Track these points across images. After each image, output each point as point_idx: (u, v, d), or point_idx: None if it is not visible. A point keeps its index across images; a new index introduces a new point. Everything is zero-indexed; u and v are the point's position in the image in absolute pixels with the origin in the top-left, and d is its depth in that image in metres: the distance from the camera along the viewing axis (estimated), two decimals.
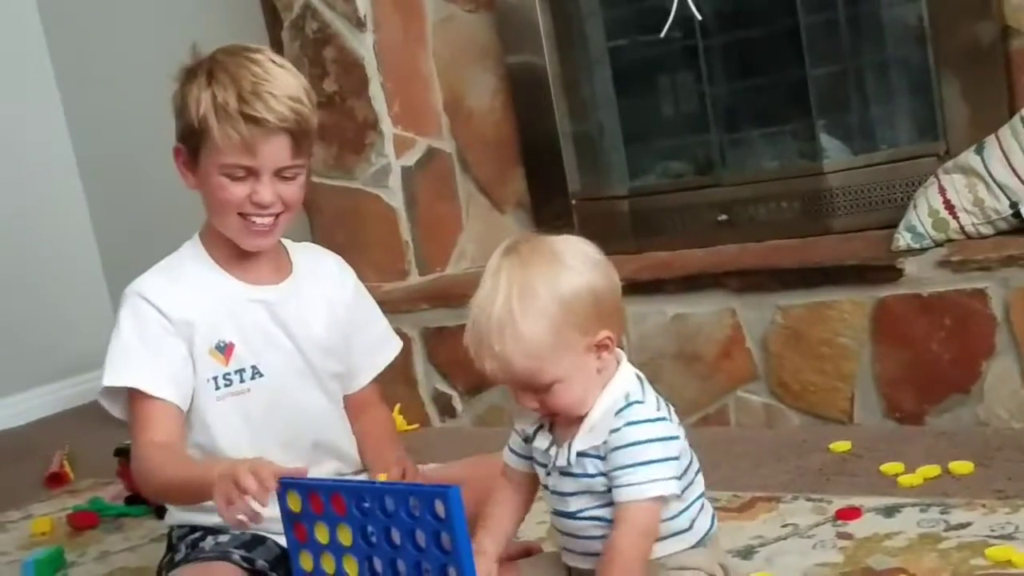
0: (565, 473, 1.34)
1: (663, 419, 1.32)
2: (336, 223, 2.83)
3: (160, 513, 1.94)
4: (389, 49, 2.73)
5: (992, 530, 1.55)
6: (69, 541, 2.17)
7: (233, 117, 1.47)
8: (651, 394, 1.34)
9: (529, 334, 1.27)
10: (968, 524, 1.58)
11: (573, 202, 2.69)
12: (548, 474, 1.36)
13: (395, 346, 1.77)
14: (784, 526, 1.69)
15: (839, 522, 1.67)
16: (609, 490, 1.31)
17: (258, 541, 1.56)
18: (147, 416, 1.52)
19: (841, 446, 2.00)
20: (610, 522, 1.32)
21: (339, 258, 1.73)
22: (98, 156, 3.58)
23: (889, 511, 1.68)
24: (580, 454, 1.32)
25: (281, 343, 1.59)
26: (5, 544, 2.25)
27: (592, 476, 1.32)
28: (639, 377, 1.35)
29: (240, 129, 1.47)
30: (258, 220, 1.53)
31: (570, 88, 2.72)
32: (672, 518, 1.33)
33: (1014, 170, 2.01)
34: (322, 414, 1.64)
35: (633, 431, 1.29)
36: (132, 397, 1.53)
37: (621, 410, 1.31)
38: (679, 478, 1.31)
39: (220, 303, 1.57)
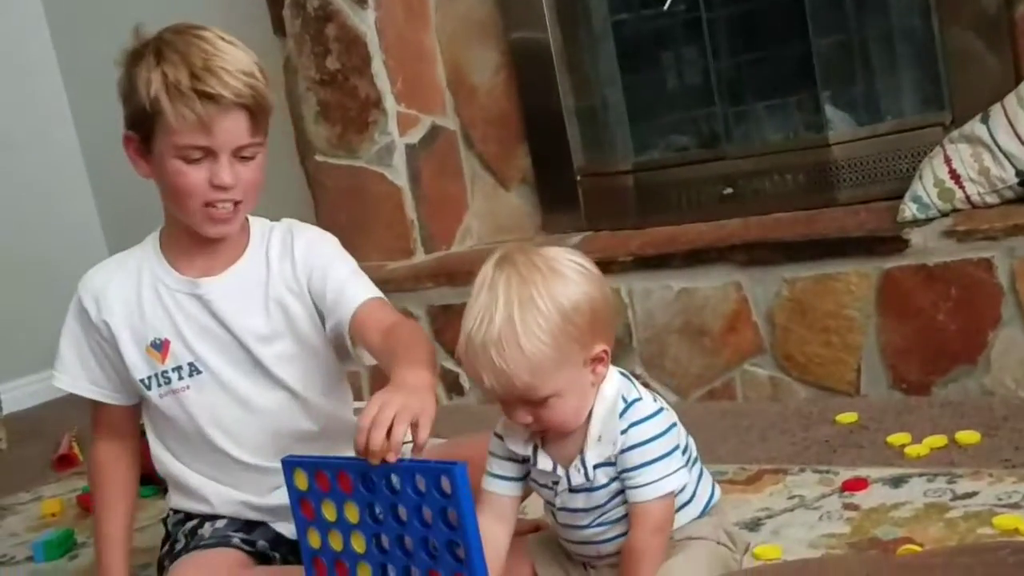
0: (577, 490, 1.33)
1: (661, 410, 1.32)
2: (340, 202, 2.83)
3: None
4: (391, 26, 2.72)
5: (999, 499, 1.55)
6: (78, 522, 2.18)
7: (186, 95, 1.40)
8: (639, 387, 1.34)
9: (531, 348, 1.25)
10: (975, 494, 1.58)
11: (578, 178, 2.69)
12: (557, 495, 1.35)
13: (362, 287, 1.57)
14: (791, 498, 1.70)
15: (846, 493, 1.67)
16: (614, 495, 1.32)
17: (256, 523, 1.58)
18: (96, 416, 1.62)
19: (847, 418, 2.00)
20: (616, 521, 1.33)
21: (288, 225, 1.61)
22: (102, 138, 3.57)
23: (896, 482, 1.68)
24: (598, 466, 1.31)
25: (218, 335, 1.53)
26: (15, 525, 2.26)
27: (606, 485, 1.32)
28: (623, 374, 1.35)
29: (195, 107, 1.40)
30: (220, 206, 1.47)
31: (573, 63, 2.70)
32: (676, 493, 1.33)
33: (1020, 139, 2.00)
34: (279, 406, 1.55)
35: (638, 431, 1.30)
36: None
37: (623, 412, 1.30)
38: (685, 465, 1.32)
39: (156, 299, 1.54)
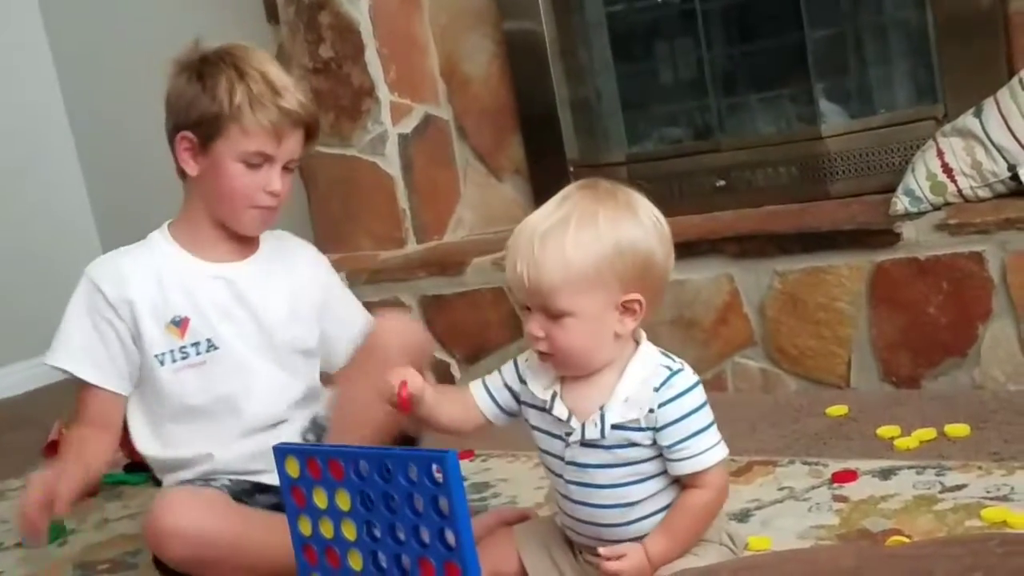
0: (590, 445, 1.31)
1: (700, 382, 1.31)
2: (332, 191, 2.82)
3: (159, 482, 1.95)
4: (385, 14, 2.72)
5: (988, 492, 1.56)
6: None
7: (268, 107, 1.58)
8: (687, 369, 1.32)
9: (572, 256, 1.25)
10: (964, 486, 1.59)
11: (571, 169, 2.68)
12: (567, 445, 1.33)
13: (366, 319, 1.78)
14: (780, 489, 1.70)
15: (835, 485, 1.68)
16: (646, 461, 1.30)
17: (247, 493, 1.62)
18: (84, 402, 1.64)
19: (838, 410, 2.00)
20: (622, 506, 1.32)
21: (314, 248, 1.82)
22: (94, 128, 3.57)
23: (885, 474, 1.68)
24: (616, 426, 1.30)
25: (237, 317, 1.65)
26: (5, 512, 2.26)
27: (625, 447, 1.30)
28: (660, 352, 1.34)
29: (273, 117, 1.58)
30: (267, 210, 1.63)
31: (568, 54, 2.70)
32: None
33: (1012, 133, 2.00)
34: (279, 387, 1.67)
35: (685, 401, 1.28)
36: (78, 381, 1.63)
37: (667, 380, 1.29)
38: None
39: (176, 281, 1.63)
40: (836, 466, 1.74)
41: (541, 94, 2.71)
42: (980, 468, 1.64)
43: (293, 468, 1.32)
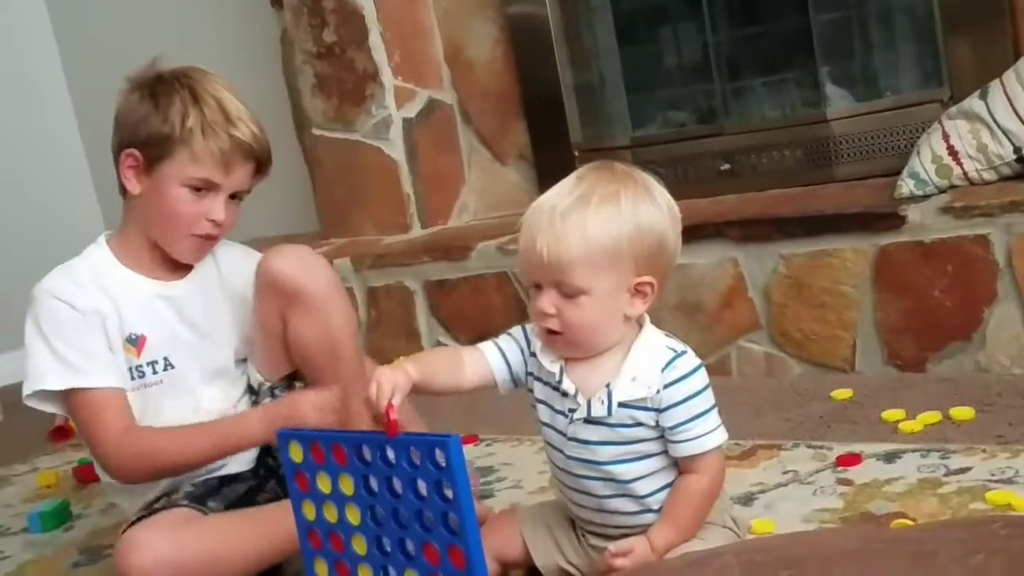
0: (594, 422, 1.31)
1: (702, 365, 1.31)
2: (336, 176, 2.82)
3: None
4: None
5: (992, 475, 1.56)
6: (74, 494, 2.19)
7: (219, 136, 1.55)
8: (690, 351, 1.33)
9: (593, 232, 1.25)
10: (968, 469, 1.59)
11: (575, 153, 2.68)
12: (570, 422, 1.33)
13: None
14: (785, 472, 1.70)
15: (839, 468, 1.68)
16: (647, 440, 1.30)
17: (212, 491, 1.58)
18: (100, 407, 1.54)
19: (842, 394, 2.00)
20: (634, 480, 1.32)
21: (244, 247, 1.74)
22: (98, 118, 3.55)
23: (889, 457, 1.68)
24: (623, 404, 1.30)
25: (187, 337, 1.62)
26: (11, 497, 2.26)
27: (629, 426, 1.30)
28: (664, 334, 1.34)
29: (223, 146, 1.55)
30: (206, 239, 1.60)
31: (571, 38, 2.69)
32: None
33: (1018, 115, 1.99)
34: (223, 398, 1.64)
35: (689, 383, 1.29)
36: (74, 398, 1.54)
37: (671, 361, 1.29)
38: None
39: (127, 298, 1.59)
40: (840, 449, 1.73)
41: (545, 78, 2.70)
42: (984, 451, 1.64)
43: (297, 453, 1.32)
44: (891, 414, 1.85)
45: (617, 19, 2.69)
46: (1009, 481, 1.53)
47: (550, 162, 2.71)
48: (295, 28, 2.79)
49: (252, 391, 1.68)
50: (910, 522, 1.45)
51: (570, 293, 1.27)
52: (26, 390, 1.57)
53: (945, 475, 1.59)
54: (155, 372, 1.59)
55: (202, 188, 1.56)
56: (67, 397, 1.55)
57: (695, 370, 1.30)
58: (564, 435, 1.34)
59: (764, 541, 1.37)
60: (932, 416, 1.81)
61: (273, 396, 1.66)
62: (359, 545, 1.30)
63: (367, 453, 1.27)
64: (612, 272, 1.27)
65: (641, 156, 2.59)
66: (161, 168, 1.56)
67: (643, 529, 1.32)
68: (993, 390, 1.90)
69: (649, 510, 1.33)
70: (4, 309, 3.27)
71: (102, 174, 3.60)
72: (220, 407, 1.63)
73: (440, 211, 2.80)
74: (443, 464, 1.20)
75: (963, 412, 1.80)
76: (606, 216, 1.26)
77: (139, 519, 1.54)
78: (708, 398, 1.30)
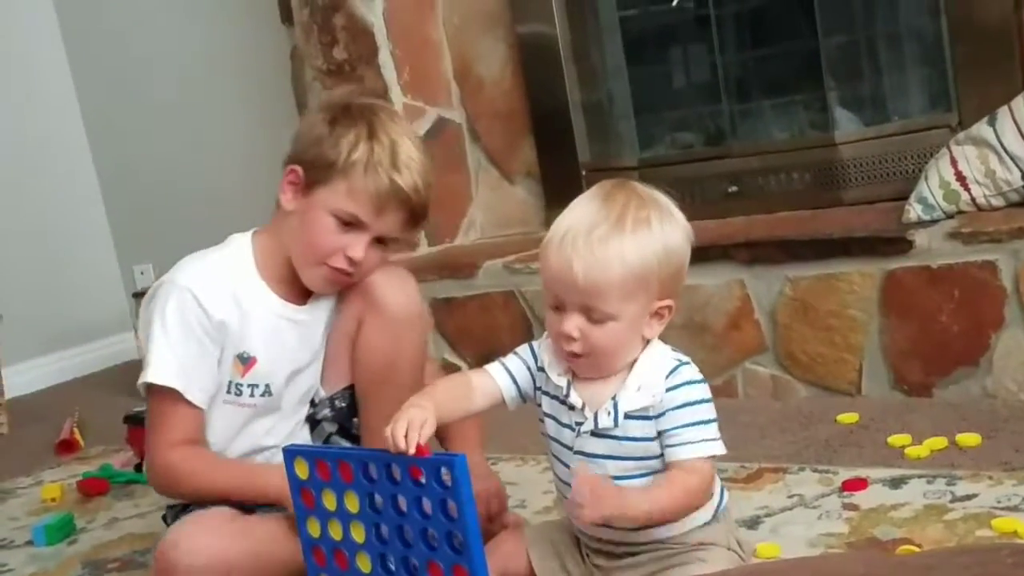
0: (600, 435, 1.32)
1: (705, 380, 1.32)
2: None
3: None
4: (399, 16, 2.72)
5: (998, 502, 1.55)
6: (79, 507, 2.19)
7: (380, 177, 1.52)
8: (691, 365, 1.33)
9: (630, 257, 1.26)
10: (974, 496, 1.59)
11: (583, 172, 2.69)
12: (577, 435, 1.33)
13: None
14: (790, 496, 1.70)
15: (845, 493, 1.67)
16: (654, 458, 1.30)
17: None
18: (173, 416, 1.53)
19: (848, 418, 2.00)
20: None
21: None
22: (107, 129, 3.58)
23: (895, 482, 1.68)
24: (629, 416, 1.30)
25: (300, 365, 1.62)
26: (16, 510, 2.26)
27: (636, 440, 1.30)
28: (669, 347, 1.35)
29: (381, 187, 1.52)
30: (340, 273, 1.56)
31: (580, 58, 2.70)
32: None
33: None
34: (296, 424, 1.65)
35: (691, 390, 1.29)
36: (161, 392, 1.53)
37: (675, 369, 1.30)
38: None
39: (256, 315, 1.57)
40: (846, 474, 1.73)
41: (554, 97, 2.71)
42: (991, 478, 1.64)
43: (302, 470, 1.32)
44: (897, 439, 1.85)
45: (626, 39, 2.70)
46: (1015, 508, 1.52)
47: (558, 181, 2.72)
48: (305, 45, 2.80)
49: (311, 403, 1.67)
50: (916, 548, 1.45)
51: (599, 319, 1.28)
52: (141, 379, 1.54)
53: (951, 501, 1.58)
54: (252, 395, 1.58)
55: (350, 223, 1.54)
56: (156, 392, 1.53)
57: (699, 380, 1.31)
58: (571, 449, 1.34)
59: (770, 566, 1.37)
60: (938, 442, 1.80)
61: (332, 407, 1.66)
62: (364, 563, 1.30)
63: (373, 471, 1.28)
64: (641, 297, 1.28)
65: (648, 177, 2.59)
66: (317, 192, 1.55)
67: (646, 547, 1.32)
68: (1000, 416, 1.90)
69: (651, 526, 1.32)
70: (10, 325, 3.29)
71: (109, 181, 3.62)
72: (287, 431, 1.62)
73: (448, 229, 2.80)
74: (448, 483, 1.21)
75: (970, 438, 1.80)
76: (642, 242, 1.27)
77: (183, 509, 1.55)
78: (709, 409, 1.30)
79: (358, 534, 1.30)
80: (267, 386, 1.59)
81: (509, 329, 2.48)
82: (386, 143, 1.53)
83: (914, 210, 2.07)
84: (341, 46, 2.74)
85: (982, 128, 2.06)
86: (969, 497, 1.58)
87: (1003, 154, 2.01)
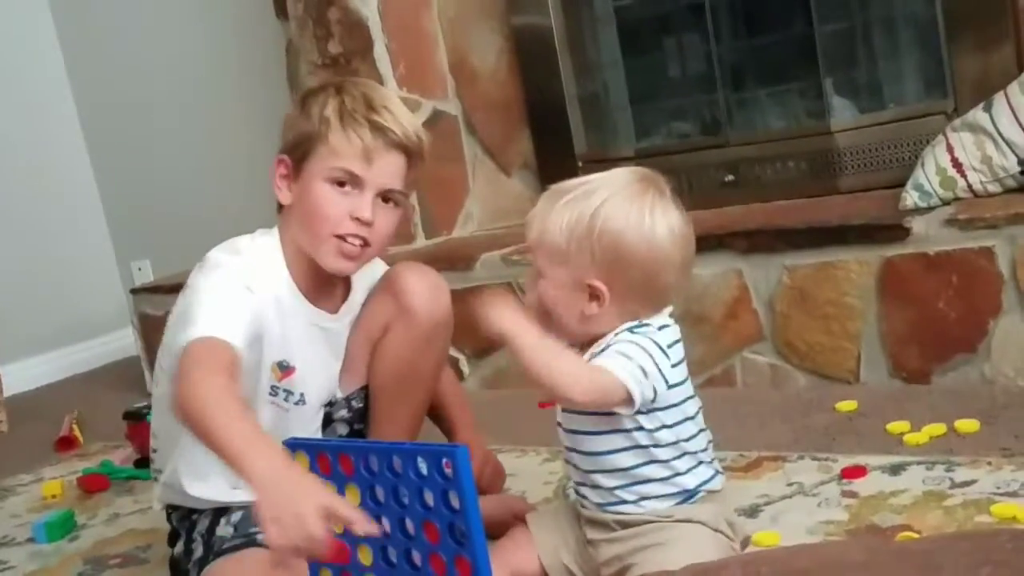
0: (572, 410, 1.35)
1: (660, 346, 1.31)
2: None
3: None
4: (394, 9, 2.72)
5: (997, 487, 1.56)
6: (79, 504, 2.19)
7: (359, 122, 1.47)
8: (669, 335, 1.34)
9: (558, 221, 1.30)
10: (973, 482, 1.59)
11: (579, 163, 2.68)
12: (561, 411, 1.38)
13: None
14: (789, 484, 1.70)
15: (844, 481, 1.67)
16: (632, 430, 1.32)
17: None
18: (210, 353, 1.36)
19: (847, 405, 2.00)
20: (627, 470, 1.33)
21: (383, 264, 1.69)
22: (103, 124, 3.58)
23: (895, 469, 1.68)
24: None
25: (331, 372, 1.62)
26: (16, 507, 2.26)
27: (607, 414, 1.32)
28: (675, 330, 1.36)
29: (364, 135, 1.47)
30: (350, 240, 1.49)
31: (576, 48, 2.70)
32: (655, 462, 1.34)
33: (1022, 127, 1.99)
34: (318, 426, 1.65)
35: (626, 335, 1.32)
36: (198, 343, 1.37)
37: (632, 326, 1.33)
38: (653, 399, 1.31)
39: (291, 323, 1.53)
40: (845, 461, 1.73)
41: (550, 89, 2.71)
42: (990, 464, 1.64)
43: (303, 463, 1.32)
44: (896, 426, 1.85)
45: (621, 30, 2.70)
46: (1014, 494, 1.53)
47: (554, 172, 2.67)
48: (300, 38, 2.79)
49: (328, 403, 1.66)
50: (915, 535, 1.45)
51: (540, 273, 1.35)
52: (182, 341, 1.38)
53: (950, 488, 1.59)
54: (287, 401, 1.55)
55: (346, 183, 1.47)
56: (192, 346, 1.36)
57: (642, 332, 1.31)
58: (561, 426, 1.40)
59: (770, 553, 1.37)
60: (937, 428, 1.80)
61: (349, 407, 1.65)
62: (365, 556, 1.30)
63: (374, 463, 1.28)
64: (565, 263, 1.31)
65: (644, 166, 2.58)
66: (305, 168, 1.49)
67: (636, 513, 1.35)
68: (998, 402, 1.90)
69: (636, 482, 1.34)
70: (8, 322, 3.30)
71: (106, 177, 3.62)
72: (307, 434, 1.60)
73: (444, 221, 2.80)
74: (450, 475, 1.21)
75: (968, 424, 1.80)
76: (562, 213, 1.31)
77: (210, 549, 1.51)
78: (637, 352, 1.29)
79: None
80: (302, 395, 1.57)
81: None
82: (357, 94, 1.50)
83: (911, 197, 2.08)
84: (336, 40, 2.73)
85: (978, 114, 2.06)
86: (968, 483, 1.59)
87: (999, 140, 2.01)
